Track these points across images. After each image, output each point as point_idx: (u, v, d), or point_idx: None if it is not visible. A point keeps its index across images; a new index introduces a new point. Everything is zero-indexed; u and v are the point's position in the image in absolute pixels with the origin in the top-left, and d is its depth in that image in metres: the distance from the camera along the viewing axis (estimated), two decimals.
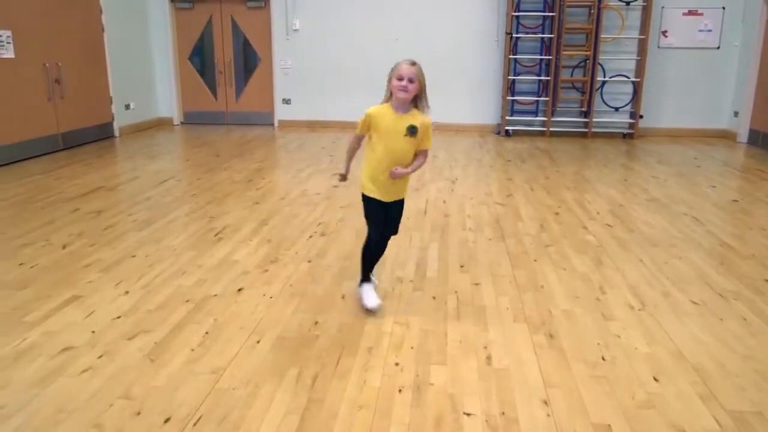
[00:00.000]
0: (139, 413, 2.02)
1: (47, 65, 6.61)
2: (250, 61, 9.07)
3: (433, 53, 8.43)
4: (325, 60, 8.72)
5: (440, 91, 8.60)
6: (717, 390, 2.17)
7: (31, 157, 6.34)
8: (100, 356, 2.38)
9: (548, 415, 2.03)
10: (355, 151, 2.79)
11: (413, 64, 2.61)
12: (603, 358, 2.39)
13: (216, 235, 3.86)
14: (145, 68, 8.79)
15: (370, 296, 2.81)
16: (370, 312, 2.78)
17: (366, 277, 2.86)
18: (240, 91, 9.19)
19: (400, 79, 2.56)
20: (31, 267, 3.31)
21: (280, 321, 2.68)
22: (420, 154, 2.73)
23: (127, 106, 8.23)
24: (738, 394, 2.15)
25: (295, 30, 8.69)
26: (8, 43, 6.03)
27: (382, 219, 2.75)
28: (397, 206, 2.81)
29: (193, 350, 2.43)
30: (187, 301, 2.89)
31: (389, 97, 2.64)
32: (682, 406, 2.08)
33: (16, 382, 2.20)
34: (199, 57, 9.14)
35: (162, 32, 8.87)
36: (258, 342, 2.50)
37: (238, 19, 8.90)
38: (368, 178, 2.69)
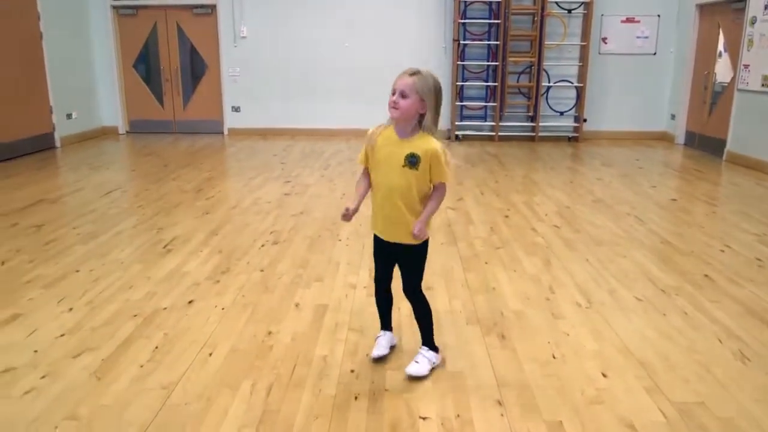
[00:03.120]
0: None
1: None
2: (197, 68, 8.92)
3: (381, 59, 8.50)
4: (274, 67, 8.66)
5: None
6: (662, 383, 2.26)
7: None
8: (44, 376, 2.28)
9: (502, 415, 2.06)
10: (364, 185, 2.27)
11: (413, 74, 2.10)
12: (553, 356, 2.45)
13: (165, 247, 3.77)
14: (88, 76, 8.52)
15: (377, 344, 2.44)
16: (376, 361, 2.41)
17: (383, 325, 2.49)
18: (188, 99, 9.01)
19: (392, 92, 2.09)
20: None
21: (233, 332, 2.64)
22: (435, 190, 2.20)
23: (69, 116, 7.95)
24: (682, 386, 2.24)
25: (243, 37, 8.60)
26: None
27: (377, 258, 2.33)
28: (401, 252, 2.24)
29: (142, 366, 2.36)
30: (135, 315, 2.81)
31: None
32: (630, 400, 2.16)
33: None
34: (145, 64, 8.92)
35: (104, 39, 8.62)
36: (210, 354, 2.45)
37: (185, 25, 8.74)
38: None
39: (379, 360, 2.40)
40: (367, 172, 2.26)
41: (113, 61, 8.72)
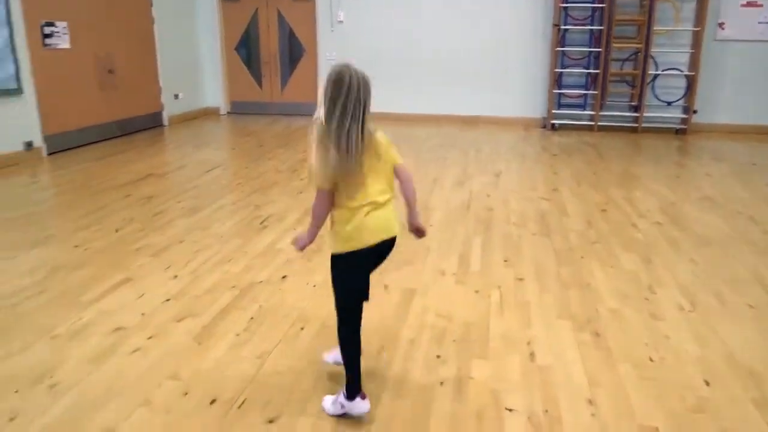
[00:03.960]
0: (186, 393, 2.07)
1: (101, 56, 6.82)
2: (295, 52, 9.15)
3: (478, 45, 8.35)
4: (369, 52, 8.72)
5: (485, 85, 8.53)
6: None
7: (86, 144, 6.56)
8: (150, 337, 2.45)
9: (593, 415, 1.99)
10: None
11: None
12: (651, 359, 2.33)
13: (261, 224, 3.92)
14: (193, 59, 8.97)
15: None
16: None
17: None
18: (285, 82, 9.28)
19: None
20: (86, 249, 3.43)
21: (323, 309, 2.71)
22: None
23: (176, 96, 8.42)
24: None
25: (340, 22, 8.72)
26: (64, 34, 6.24)
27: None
28: None
29: (238, 335, 2.48)
30: (233, 287, 2.95)
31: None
32: (735, 411, 2.01)
33: (72, 359, 2.29)
34: (246, 48, 9.27)
35: (210, 24, 9.03)
36: (302, 329, 2.53)
37: (284, 11, 8.98)
38: None
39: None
40: None
41: (217, 45, 9.12)
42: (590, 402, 2.06)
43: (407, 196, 2.05)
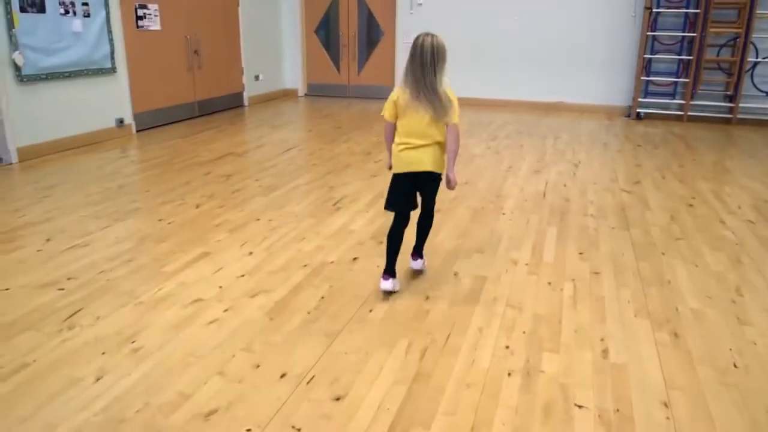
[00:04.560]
0: (258, 366, 2.15)
1: (188, 37, 7.09)
2: (373, 35, 9.17)
3: (561, 29, 8.05)
4: (448, 35, 8.49)
5: (567, 70, 8.24)
6: None
7: (171, 122, 6.87)
8: (226, 310, 2.55)
9: (668, 418, 1.90)
10: None
11: None
12: (735, 365, 2.20)
13: (334, 205, 3.98)
14: (275, 41, 9.17)
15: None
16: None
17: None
18: (362, 64, 9.33)
19: None
20: (169, 223, 3.61)
21: (393, 292, 2.72)
22: None
23: (257, 77, 8.65)
24: None
25: (419, 4, 8.64)
26: (155, 16, 6.53)
27: None
28: None
29: (309, 313, 2.53)
30: (305, 265, 3.01)
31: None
32: None
33: (154, 325, 2.42)
34: (325, 31, 9.38)
35: (292, 6, 9.19)
36: (370, 311, 2.56)
37: None
38: None
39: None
40: None
41: (297, 27, 9.28)
42: (665, 404, 1.97)
43: (448, 150, 2.60)
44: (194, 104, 7.33)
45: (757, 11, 7.07)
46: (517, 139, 6.27)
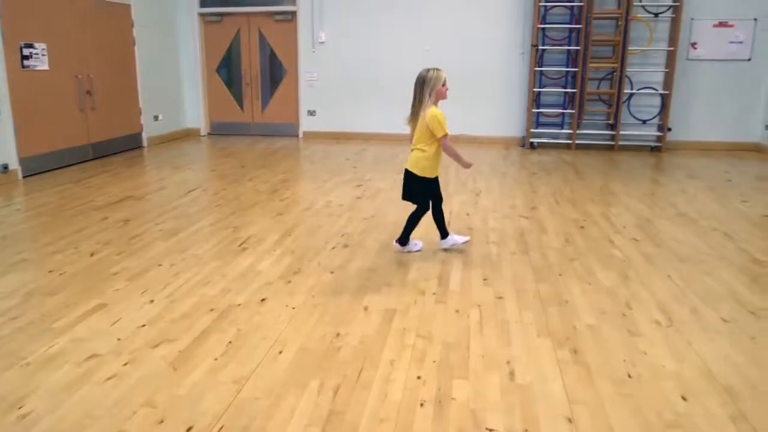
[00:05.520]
0: (162, 421, 2.04)
1: (79, 77, 6.78)
2: (276, 73, 9.19)
3: (458, 65, 8.44)
4: (350, 72, 8.79)
5: (466, 103, 8.62)
6: (749, 411, 2.11)
7: (63, 167, 6.49)
8: (125, 364, 2.41)
9: None
10: None
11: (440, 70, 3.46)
12: (629, 376, 2.35)
13: (240, 245, 3.90)
14: (174, 80, 8.96)
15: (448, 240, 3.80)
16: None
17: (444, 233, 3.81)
18: (266, 102, 9.31)
19: (444, 84, 3.42)
20: (60, 274, 3.38)
21: (303, 332, 2.69)
22: None
23: (156, 117, 8.39)
24: None
25: (321, 42, 8.79)
26: (43, 55, 6.21)
27: (437, 191, 3.66)
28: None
29: (216, 359, 2.45)
30: (211, 310, 2.92)
31: (431, 98, 3.41)
32: (712, 427, 2.03)
33: (44, 387, 2.24)
34: (227, 69, 9.30)
35: (191, 45, 9.05)
36: (280, 352, 2.51)
37: (265, 31, 9.04)
38: (437, 165, 3.55)
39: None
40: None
41: (198, 65, 9.14)
42: (569, 420, 2.07)
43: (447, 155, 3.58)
44: (88, 147, 6.98)
45: (629, 48, 7.79)
46: None
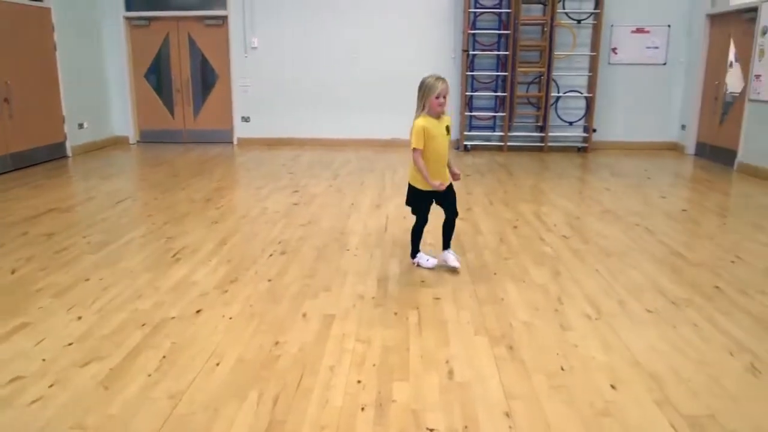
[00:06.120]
0: None
1: None
2: (208, 78, 9.00)
3: (390, 71, 8.53)
4: (283, 77, 8.72)
5: (399, 108, 8.68)
6: (672, 395, 2.23)
7: None
8: (51, 385, 2.29)
9: (510, 428, 2.05)
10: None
11: (443, 80, 3.20)
12: (562, 368, 2.43)
13: (174, 256, 3.79)
14: (100, 87, 8.62)
15: (429, 259, 3.59)
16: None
17: (416, 250, 3.64)
18: (198, 109, 9.09)
19: (438, 97, 3.18)
20: None
21: (240, 342, 2.64)
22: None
23: (81, 126, 8.04)
24: (692, 399, 2.21)
25: (254, 48, 8.67)
26: None
27: (426, 205, 3.50)
28: (447, 191, 3.42)
29: (149, 375, 2.36)
30: (143, 324, 2.82)
31: (424, 109, 3.25)
32: (639, 412, 2.13)
33: None
34: (156, 75, 9.02)
35: (117, 50, 8.73)
36: (217, 364, 2.45)
37: (196, 36, 8.83)
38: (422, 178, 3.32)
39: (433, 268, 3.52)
40: (421, 153, 3.30)
41: (125, 71, 8.82)
42: (507, 415, 2.12)
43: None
44: (6, 157, 6.61)
45: (555, 53, 8.10)
46: (358, 176, 6.48)
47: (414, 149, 3.28)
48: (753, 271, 3.57)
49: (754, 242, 4.14)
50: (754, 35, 6.63)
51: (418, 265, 3.57)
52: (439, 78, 3.20)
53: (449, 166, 3.46)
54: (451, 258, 3.55)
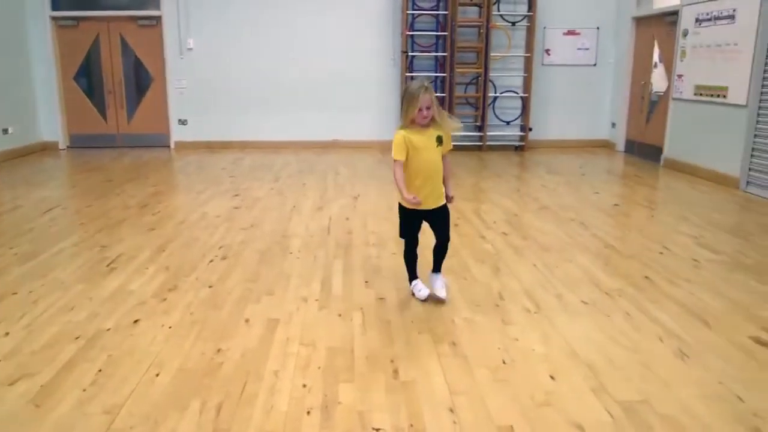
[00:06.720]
0: None
1: None
2: (142, 80, 8.71)
3: (330, 72, 8.51)
4: (221, 79, 8.55)
5: (340, 109, 8.71)
6: (607, 383, 2.33)
7: None
8: None
9: (455, 423, 2.08)
10: (404, 175, 2.94)
11: (426, 89, 2.82)
12: (504, 362, 2.49)
13: (108, 265, 3.65)
14: (25, 89, 8.20)
15: (421, 288, 3.18)
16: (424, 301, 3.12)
17: (413, 276, 3.24)
18: (132, 112, 8.79)
19: (421, 110, 2.82)
20: None
21: (181, 351, 2.58)
22: (446, 161, 3.08)
23: (5, 131, 7.63)
24: (626, 385, 2.31)
25: (189, 49, 8.46)
26: None
27: (413, 225, 3.11)
28: (438, 213, 3.05)
29: (84, 390, 2.27)
30: (77, 337, 2.70)
31: (409, 120, 2.87)
32: (578, 401, 2.21)
33: None
34: (86, 77, 8.66)
35: (43, 51, 8.33)
36: (157, 375, 2.38)
37: (128, 37, 8.54)
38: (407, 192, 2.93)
39: (426, 299, 3.13)
40: (402, 164, 2.92)
41: (52, 73, 8.43)
42: (451, 410, 2.16)
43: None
44: None
45: (491, 54, 8.28)
46: (299, 178, 6.43)
47: (395, 161, 2.91)
48: (679, 261, 3.76)
49: (679, 234, 4.37)
50: (676, 37, 6.99)
51: (413, 294, 3.18)
52: (422, 86, 2.81)
53: (445, 185, 3.08)
54: (438, 286, 3.14)
